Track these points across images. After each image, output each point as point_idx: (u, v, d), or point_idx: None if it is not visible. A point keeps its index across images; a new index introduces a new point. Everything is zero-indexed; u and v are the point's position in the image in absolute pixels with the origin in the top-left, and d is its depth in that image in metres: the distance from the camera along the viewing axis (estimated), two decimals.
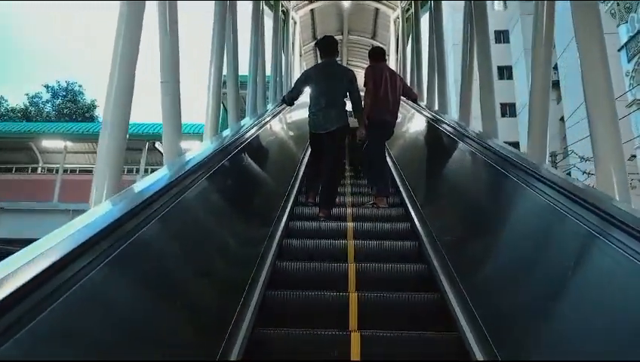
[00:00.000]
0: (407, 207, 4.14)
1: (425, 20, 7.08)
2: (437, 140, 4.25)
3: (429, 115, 4.68)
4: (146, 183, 1.70)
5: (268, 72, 6.64)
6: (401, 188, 4.73)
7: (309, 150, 4.67)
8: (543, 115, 2.80)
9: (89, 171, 17.61)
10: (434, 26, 6.14)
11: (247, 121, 3.90)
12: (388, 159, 5.31)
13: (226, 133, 3.31)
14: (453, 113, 5.50)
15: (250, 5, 5.88)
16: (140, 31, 2.37)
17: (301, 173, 5.23)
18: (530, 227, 2.02)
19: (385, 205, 4.41)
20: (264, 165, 3.95)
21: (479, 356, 1.98)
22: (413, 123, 5.64)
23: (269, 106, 5.20)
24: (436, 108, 5.51)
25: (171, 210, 1.70)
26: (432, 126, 4.39)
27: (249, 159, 3.35)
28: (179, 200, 1.80)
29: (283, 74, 8.10)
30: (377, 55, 4.98)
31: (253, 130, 3.53)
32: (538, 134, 2.79)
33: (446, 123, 3.89)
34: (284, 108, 5.12)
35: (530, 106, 2.84)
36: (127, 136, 2.32)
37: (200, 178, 2.13)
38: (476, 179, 3.01)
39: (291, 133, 5.79)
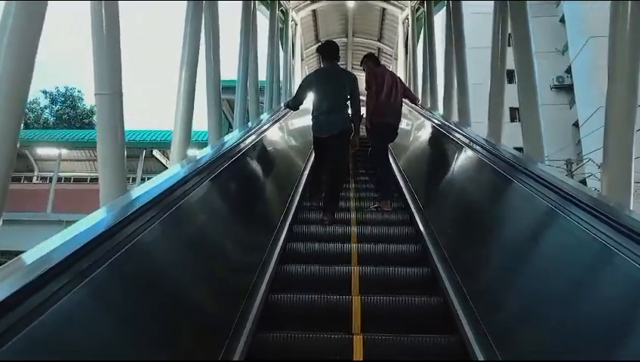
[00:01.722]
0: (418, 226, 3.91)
1: (438, 21, 6.94)
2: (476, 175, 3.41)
3: (460, 136, 3.65)
4: (146, 188, 1.77)
5: (263, 77, 6.47)
6: (416, 213, 4.24)
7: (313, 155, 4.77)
8: (535, 116, 2.96)
9: (85, 180, 17.68)
10: (453, 28, 5.85)
11: (235, 134, 3.65)
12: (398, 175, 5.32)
13: (227, 138, 3.36)
14: (473, 120, 5.25)
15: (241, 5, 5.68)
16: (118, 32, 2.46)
17: (305, 177, 5.34)
18: (540, 235, 2.08)
19: (389, 208, 4.52)
20: (266, 171, 4.02)
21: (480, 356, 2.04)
22: (437, 143, 4.74)
23: (264, 116, 4.78)
24: (455, 117, 5.22)
25: (171, 215, 1.78)
26: (465, 153, 3.46)
27: (250, 164, 3.42)
28: (179, 205, 1.88)
29: (281, 79, 7.89)
30: (371, 60, 5.18)
31: (250, 138, 3.50)
32: (534, 136, 2.94)
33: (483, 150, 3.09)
34: (285, 115, 5.13)
35: (521, 108, 3.00)
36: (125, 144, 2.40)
37: (201, 182, 2.20)
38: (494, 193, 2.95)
39: (294, 141, 5.85)
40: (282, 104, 6.03)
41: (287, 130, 5.48)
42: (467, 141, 3.28)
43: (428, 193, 4.34)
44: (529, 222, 2.19)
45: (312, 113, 4.39)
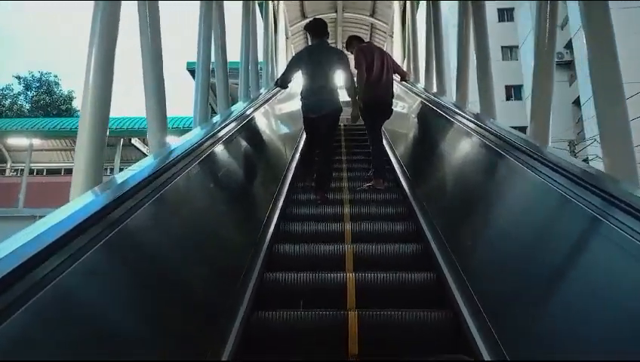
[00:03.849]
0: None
1: None
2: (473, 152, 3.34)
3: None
4: (128, 175, 1.77)
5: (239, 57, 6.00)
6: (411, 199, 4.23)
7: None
8: (546, 97, 2.86)
9: (59, 171, 17.04)
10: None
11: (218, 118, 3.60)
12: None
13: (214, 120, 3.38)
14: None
15: None
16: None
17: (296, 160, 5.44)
18: (535, 211, 2.10)
19: (382, 186, 4.66)
20: (256, 153, 4.05)
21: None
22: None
23: (237, 106, 4.37)
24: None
25: (154, 202, 1.77)
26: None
27: (237, 148, 3.44)
28: (162, 192, 1.87)
29: (262, 59, 7.31)
30: (355, 39, 5.27)
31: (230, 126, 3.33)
32: (542, 117, 2.85)
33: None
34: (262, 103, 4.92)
35: (533, 88, 2.94)
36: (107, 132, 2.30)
37: (189, 165, 2.23)
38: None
39: (281, 126, 5.80)
40: (272, 83, 6.04)
41: (271, 118, 5.34)
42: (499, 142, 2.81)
43: (421, 169, 4.44)
44: (523, 197, 2.24)
45: (301, 93, 4.48)
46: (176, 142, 2.46)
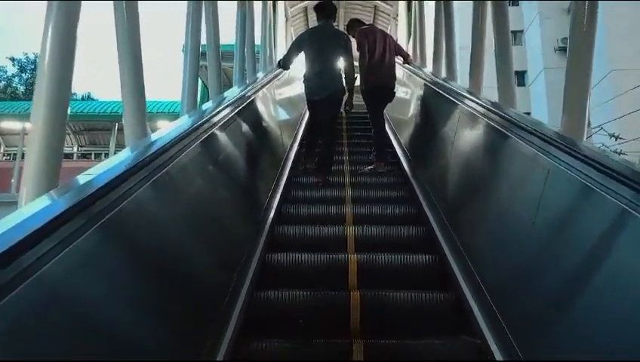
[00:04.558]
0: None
1: None
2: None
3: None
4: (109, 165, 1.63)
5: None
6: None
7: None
8: (582, 87, 2.66)
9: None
10: None
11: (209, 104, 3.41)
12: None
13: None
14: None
15: None
16: None
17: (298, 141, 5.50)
18: (540, 189, 2.05)
19: (383, 169, 4.73)
20: (253, 140, 3.95)
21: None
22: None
23: (231, 90, 4.13)
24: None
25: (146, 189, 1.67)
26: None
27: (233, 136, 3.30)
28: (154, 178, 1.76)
29: (259, 42, 7.16)
30: (356, 22, 5.29)
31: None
32: (576, 109, 2.65)
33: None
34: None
35: (567, 77, 2.72)
36: (68, 116, 1.99)
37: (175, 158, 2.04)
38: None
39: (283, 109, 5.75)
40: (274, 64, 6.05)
41: (269, 103, 5.18)
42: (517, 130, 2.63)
43: (424, 154, 4.44)
44: (531, 181, 2.18)
45: (304, 75, 4.50)
46: (158, 133, 2.24)
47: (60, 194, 1.41)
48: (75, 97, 25.89)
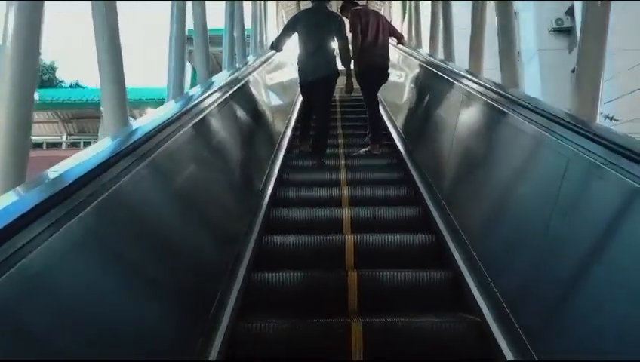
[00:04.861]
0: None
1: None
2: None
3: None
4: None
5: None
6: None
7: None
8: (595, 66, 2.54)
9: (40, 145, 16.79)
10: None
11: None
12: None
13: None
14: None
15: None
16: None
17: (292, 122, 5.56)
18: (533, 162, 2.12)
19: (378, 151, 4.74)
20: (243, 127, 3.84)
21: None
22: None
23: (220, 75, 3.93)
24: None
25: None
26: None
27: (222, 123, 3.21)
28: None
29: (252, 25, 7.06)
30: (348, 3, 5.23)
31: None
32: (589, 91, 2.54)
33: None
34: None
35: (580, 56, 2.60)
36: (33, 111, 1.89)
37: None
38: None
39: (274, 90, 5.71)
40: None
41: (260, 87, 5.08)
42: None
43: (420, 136, 4.43)
44: (527, 155, 2.21)
45: (298, 57, 4.51)
46: (142, 119, 2.15)
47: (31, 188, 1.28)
48: (63, 85, 25.56)
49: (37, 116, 17.07)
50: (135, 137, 1.70)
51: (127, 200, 1.56)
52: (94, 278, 1.27)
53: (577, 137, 1.68)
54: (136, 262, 1.54)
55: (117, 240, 1.45)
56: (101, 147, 1.61)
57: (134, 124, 2.12)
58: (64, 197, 1.18)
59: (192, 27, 4.09)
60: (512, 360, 1.78)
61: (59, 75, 29.20)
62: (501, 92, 2.59)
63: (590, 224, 1.56)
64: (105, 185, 1.38)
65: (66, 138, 18.68)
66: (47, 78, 29.40)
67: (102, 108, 2.43)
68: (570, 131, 1.75)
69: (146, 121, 2.01)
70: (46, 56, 33.45)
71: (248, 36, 7.18)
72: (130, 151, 1.59)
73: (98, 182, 1.35)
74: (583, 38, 2.56)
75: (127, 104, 2.53)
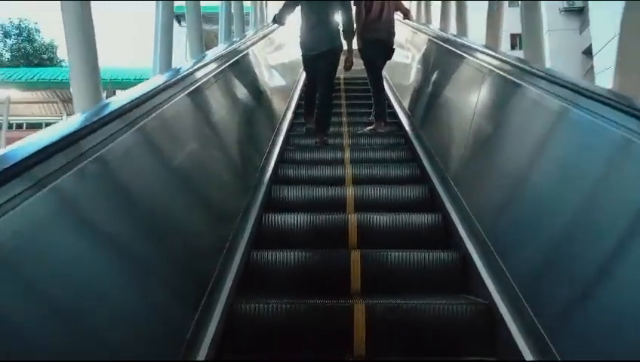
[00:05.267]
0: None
1: None
2: None
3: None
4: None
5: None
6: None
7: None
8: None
9: (40, 125, 16.72)
10: None
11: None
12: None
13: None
14: None
15: None
16: None
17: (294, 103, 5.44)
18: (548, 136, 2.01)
19: (383, 130, 4.64)
20: (240, 104, 3.66)
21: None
22: None
23: (215, 49, 3.62)
24: None
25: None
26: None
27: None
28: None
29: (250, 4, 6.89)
30: None
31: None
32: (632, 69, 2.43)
33: None
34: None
35: (623, 32, 2.45)
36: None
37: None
38: None
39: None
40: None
41: (260, 62, 4.91)
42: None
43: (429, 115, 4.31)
44: (542, 131, 2.07)
45: (300, 30, 4.41)
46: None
47: None
48: (63, 64, 25.37)
49: (37, 96, 16.98)
50: (123, 103, 1.59)
51: (117, 168, 1.49)
52: (78, 249, 1.20)
53: (608, 110, 1.53)
54: (127, 233, 1.47)
55: (107, 210, 1.38)
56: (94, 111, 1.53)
57: (122, 92, 1.97)
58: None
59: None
60: (523, 344, 1.70)
61: (60, 54, 29.02)
62: (524, 66, 2.41)
63: (616, 204, 1.44)
64: (90, 150, 1.31)
65: (66, 118, 18.61)
66: (47, 57, 29.24)
67: (71, 90, 2.31)
68: (601, 104, 1.59)
69: (135, 89, 1.88)
70: (46, 34, 32.99)
71: (247, 13, 7.04)
72: (116, 117, 1.48)
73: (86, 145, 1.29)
74: (626, 15, 2.39)
75: (102, 83, 2.42)
